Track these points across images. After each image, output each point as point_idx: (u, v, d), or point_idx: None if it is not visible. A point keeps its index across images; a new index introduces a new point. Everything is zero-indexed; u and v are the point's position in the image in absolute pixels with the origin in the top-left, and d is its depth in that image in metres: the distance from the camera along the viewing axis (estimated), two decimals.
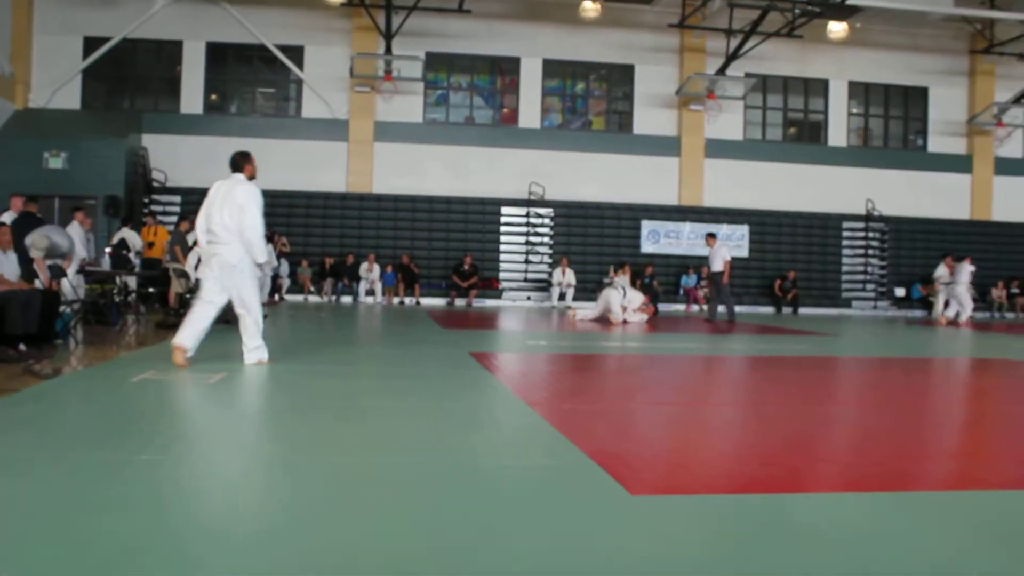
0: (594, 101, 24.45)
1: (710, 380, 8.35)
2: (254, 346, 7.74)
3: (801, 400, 6.85)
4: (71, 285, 10.85)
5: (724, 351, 10.40)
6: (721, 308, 17.15)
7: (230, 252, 7.44)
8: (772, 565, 2.80)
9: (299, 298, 21.10)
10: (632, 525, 3.21)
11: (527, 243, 22.93)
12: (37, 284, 9.54)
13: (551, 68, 23.62)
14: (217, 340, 9.73)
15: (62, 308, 9.21)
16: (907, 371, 9.26)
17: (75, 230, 13.03)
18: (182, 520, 3.13)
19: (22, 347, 7.77)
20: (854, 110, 24.81)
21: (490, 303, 21.89)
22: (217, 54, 22.53)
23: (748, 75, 22.80)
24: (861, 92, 24.74)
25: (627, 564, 2.78)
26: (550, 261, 22.75)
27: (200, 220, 7.65)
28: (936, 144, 24.88)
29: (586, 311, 16.34)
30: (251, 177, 7.95)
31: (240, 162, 7.96)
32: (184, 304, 13.40)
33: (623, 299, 15.96)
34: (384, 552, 2.82)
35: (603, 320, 15.72)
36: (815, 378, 8.51)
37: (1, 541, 2.82)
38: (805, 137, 24.87)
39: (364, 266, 21.41)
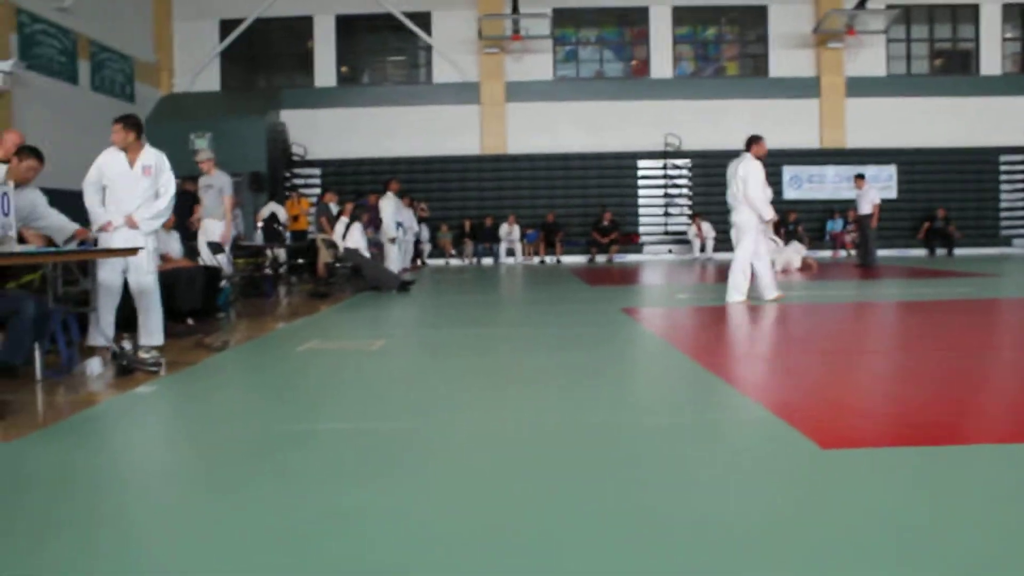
0: (727, 46, 23.72)
1: (874, 328, 8.00)
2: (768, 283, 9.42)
3: (973, 345, 6.45)
4: (227, 260, 11.13)
5: (882, 297, 9.95)
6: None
7: (738, 216, 9.36)
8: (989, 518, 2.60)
9: (440, 262, 21.31)
10: (833, 480, 3.05)
11: (665, 195, 22.52)
12: (200, 261, 9.79)
13: (680, 15, 22.98)
14: (369, 308, 9.81)
15: (222, 283, 9.44)
16: None
17: None
18: (408, 486, 3.12)
19: (190, 321, 7.98)
20: (1008, 35, 23.27)
21: (631, 258, 21.64)
22: (346, 26, 22.78)
23: (890, 7, 21.67)
24: (1016, 15, 23.17)
25: (840, 521, 2.61)
26: (690, 213, 22.28)
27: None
28: None
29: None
30: (758, 156, 9.38)
31: (749, 143, 9.53)
32: (332, 273, 13.66)
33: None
34: (591, 511, 2.76)
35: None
36: (983, 323, 8.03)
37: (199, 515, 2.84)
38: (955, 68, 23.48)
39: (504, 227, 21.43)
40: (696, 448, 3.53)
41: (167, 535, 2.58)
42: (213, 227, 10.45)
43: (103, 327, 6.21)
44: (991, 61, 23.10)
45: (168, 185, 6.57)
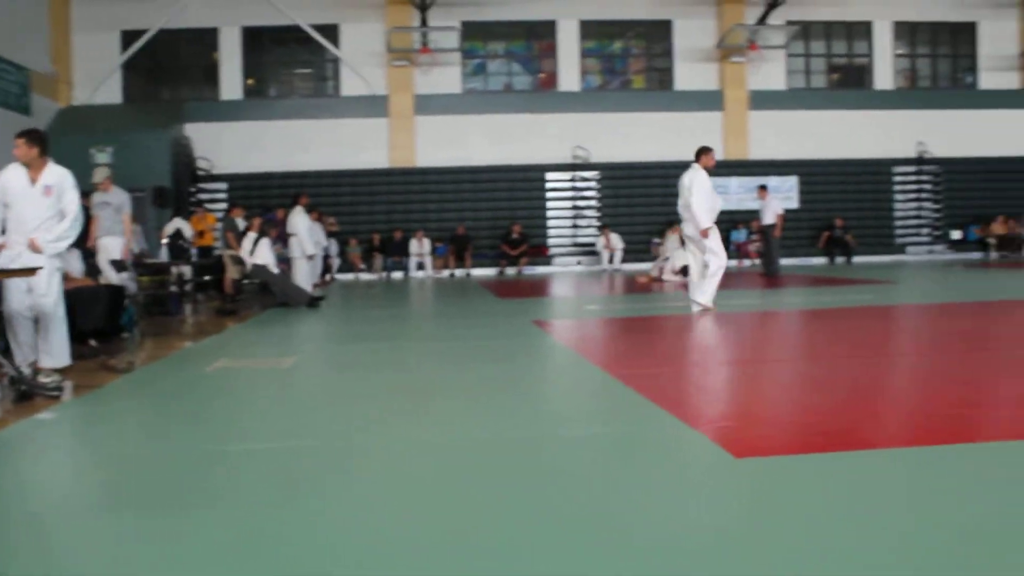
0: (633, 59, 24.12)
1: (778, 336, 8.24)
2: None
3: (873, 352, 6.72)
4: (129, 278, 10.96)
5: (785, 305, 10.28)
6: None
7: (687, 226, 9.59)
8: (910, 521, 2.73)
9: (350, 276, 21.18)
10: (751, 490, 3.14)
11: (574, 208, 22.78)
12: (101, 279, 9.63)
13: (588, 29, 23.29)
14: (278, 325, 9.77)
15: (126, 302, 9.30)
16: (974, 315, 9.05)
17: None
18: (304, 510, 3.12)
19: (93, 343, 7.84)
20: (899, 51, 24.18)
21: (540, 270, 21.83)
22: (253, 38, 22.53)
23: (790, 22, 22.32)
24: (907, 32, 24.09)
25: (757, 528, 2.72)
26: (598, 224, 22.58)
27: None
28: (988, 80, 24.16)
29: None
30: (706, 167, 9.61)
31: (698, 154, 9.77)
32: (240, 290, 13.53)
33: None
34: (499, 524, 2.79)
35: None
36: (882, 328, 8.36)
37: (101, 537, 2.81)
38: (851, 82, 24.28)
39: (414, 241, 21.43)
40: (614, 459, 3.59)
41: (78, 566, 2.56)
42: (113, 244, 10.31)
43: (26, 352, 6.12)
44: (884, 76, 23.97)
45: (72, 205, 6.35)
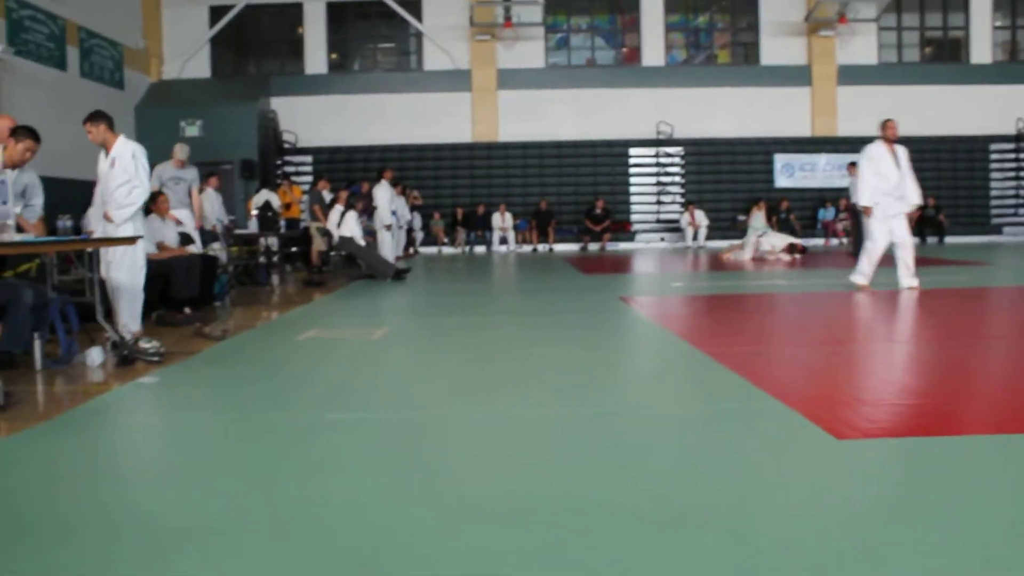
0: (718, 33, 23.67)
1: (869, 316, 7.97)
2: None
3: (970, 334, 6.48)
4: (220, 248, 11.10)
5: (875, 285, 9.98)
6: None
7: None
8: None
9: (433, 250, 21.25)
10: (859, 472, 3.03)
11: (658, 183, 22.49)
12: (193, 249, 9.76)
13: (672, 2, 22.88)
14: (365, 297, 9.77)
15: (219, 271, 9.40)
16: None
17: (210, 196, 13.21)
18: (391, 478, 3.09)
19: (187, 310, 7.93)
20: (998, 23, 23.29)
21: (623, 246, 21.63)
22: (337, 13, 22.63)
23: None
24: (1006, 3, 23.18)
25: (862, 511, 2.61)
26: (682, 201, 22.26)
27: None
28: None
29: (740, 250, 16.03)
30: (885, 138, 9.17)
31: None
32: (326, 262, 13.60)
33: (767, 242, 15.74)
34: (608, 501, 2.73)
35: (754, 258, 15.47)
36: (979, 311, 8.10)
37: (215, 505, 2.79)
38: (945, 56, 23.51)
39: (496, 215, 21.39)
40: (714, 439, 3.50)
41: (185, 528, 2.54)
42: (184, 218, 10.55)
43: (127, 321, 6.29)
44: (981, 49, 23.10)
45: (129, 174, 6.48)
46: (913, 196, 9.11)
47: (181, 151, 10.87)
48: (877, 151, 9.13)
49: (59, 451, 3.50)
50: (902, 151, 9.15)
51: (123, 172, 6.44)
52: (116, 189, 6.46)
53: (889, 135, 9.14)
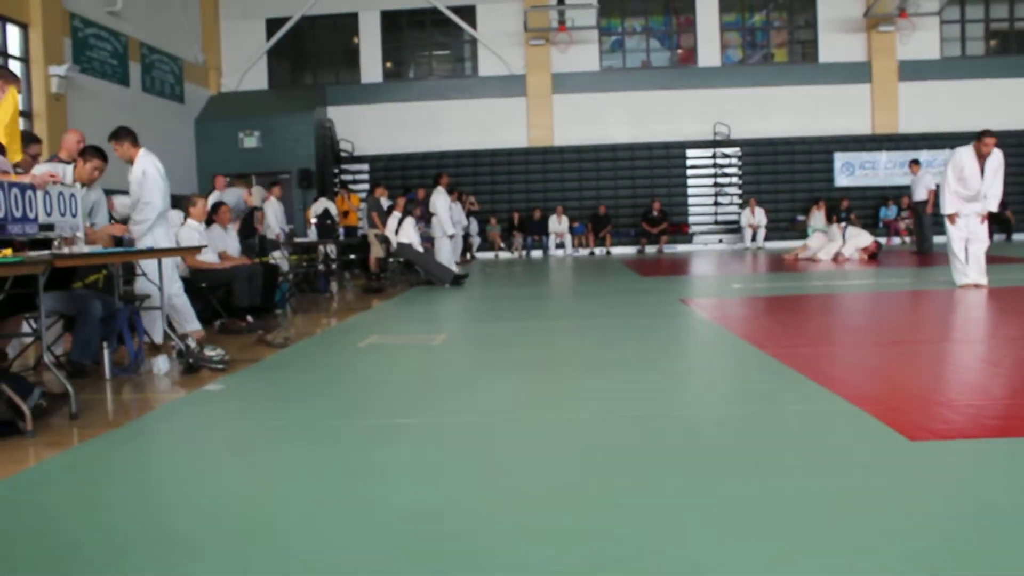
0: (774, 32, 23.37)
1: (935, 316, 7.76)
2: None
3: None
4: (281, 257, 11.22)
5: (941, 284, 9.73)
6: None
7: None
8: None
9: (490, 255, 21.29)
10: (934, 475, 2.95)
11: (715, 185, 22.28)
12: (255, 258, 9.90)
13: (727, 1, 22.71)
14: (424, 303, 9.79)
15: (279, 280, 9.51)
16: None
17: (273, 206, 13.39)
18: (458, 483, 3.08)
19: (249, 319, 8.02)
20: None
21: (681, 248, 21.45)
22: (391, 22, 22.83)
23: None
24: None
25: (936, 513, 2.53)
26: (740, 202, 22.01)
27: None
28: None
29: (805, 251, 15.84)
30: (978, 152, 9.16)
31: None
32: (384, 268, 13.68)
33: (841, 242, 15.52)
34: (679, 502, 2.69)
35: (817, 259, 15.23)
36: None
37: (286, 509, 2.80)
38: (1011, 49, 22.91)
39: (553, 219, 21.36)
40: (784, 440, 3.43)
41: (253, 533, 2.55)
42: None
43: (183, 324, 6.63)
44: None
45: (148, 192, 6.65)
46: (990, 203, 8.99)
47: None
48: (964, 158, 8.99)
49: (130, 457, 3.55)
50: (994, 159, 8.99)
51: (139, 188, 6.67)
52: (134, 204, 6.72)
53: (984, 151, 9.04)
